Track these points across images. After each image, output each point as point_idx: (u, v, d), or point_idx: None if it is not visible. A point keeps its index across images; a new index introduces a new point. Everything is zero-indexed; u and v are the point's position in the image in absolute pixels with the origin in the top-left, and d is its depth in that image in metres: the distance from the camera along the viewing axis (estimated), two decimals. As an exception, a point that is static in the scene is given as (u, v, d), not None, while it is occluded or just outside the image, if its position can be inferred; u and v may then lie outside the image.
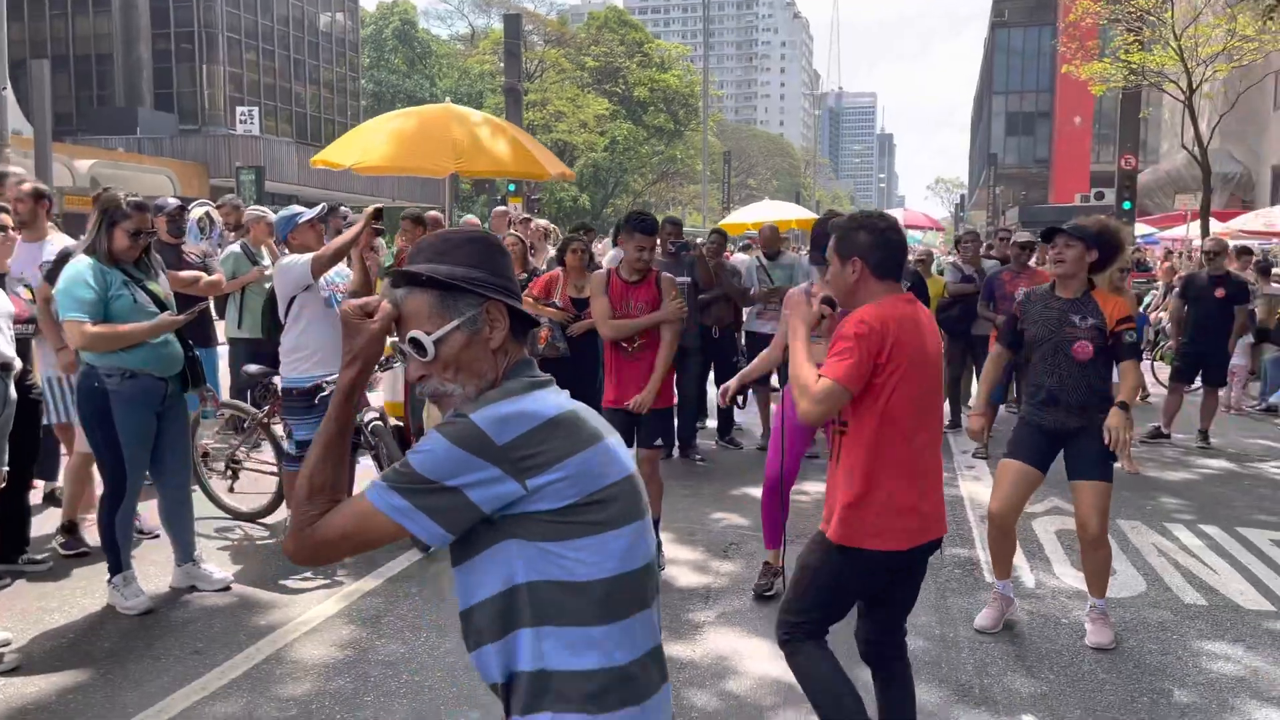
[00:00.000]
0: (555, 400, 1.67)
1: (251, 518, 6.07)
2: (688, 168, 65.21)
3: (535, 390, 1.67)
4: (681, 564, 5.42)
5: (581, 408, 1.70)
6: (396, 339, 1.74)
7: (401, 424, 6.56)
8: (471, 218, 9.25)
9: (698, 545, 5.75)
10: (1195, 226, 22.85)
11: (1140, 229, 24.94)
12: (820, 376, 2.85)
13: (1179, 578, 5.31)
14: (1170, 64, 18.18)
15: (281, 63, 53.27)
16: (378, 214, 5.45)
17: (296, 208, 5.52)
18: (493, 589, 1.65)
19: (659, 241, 8.30)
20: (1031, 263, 8.48)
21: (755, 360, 5.06)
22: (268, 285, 7.66)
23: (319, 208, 5.61)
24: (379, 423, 5.65)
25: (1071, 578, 5.24)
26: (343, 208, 8.43)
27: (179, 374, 4.71)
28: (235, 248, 7.38)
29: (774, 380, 8.49)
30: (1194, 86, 17.97)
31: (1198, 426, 8.83)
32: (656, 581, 1.74)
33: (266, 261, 7.85)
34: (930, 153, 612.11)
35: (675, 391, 6.04)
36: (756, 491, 6.96)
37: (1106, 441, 4.25)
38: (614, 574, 1.63)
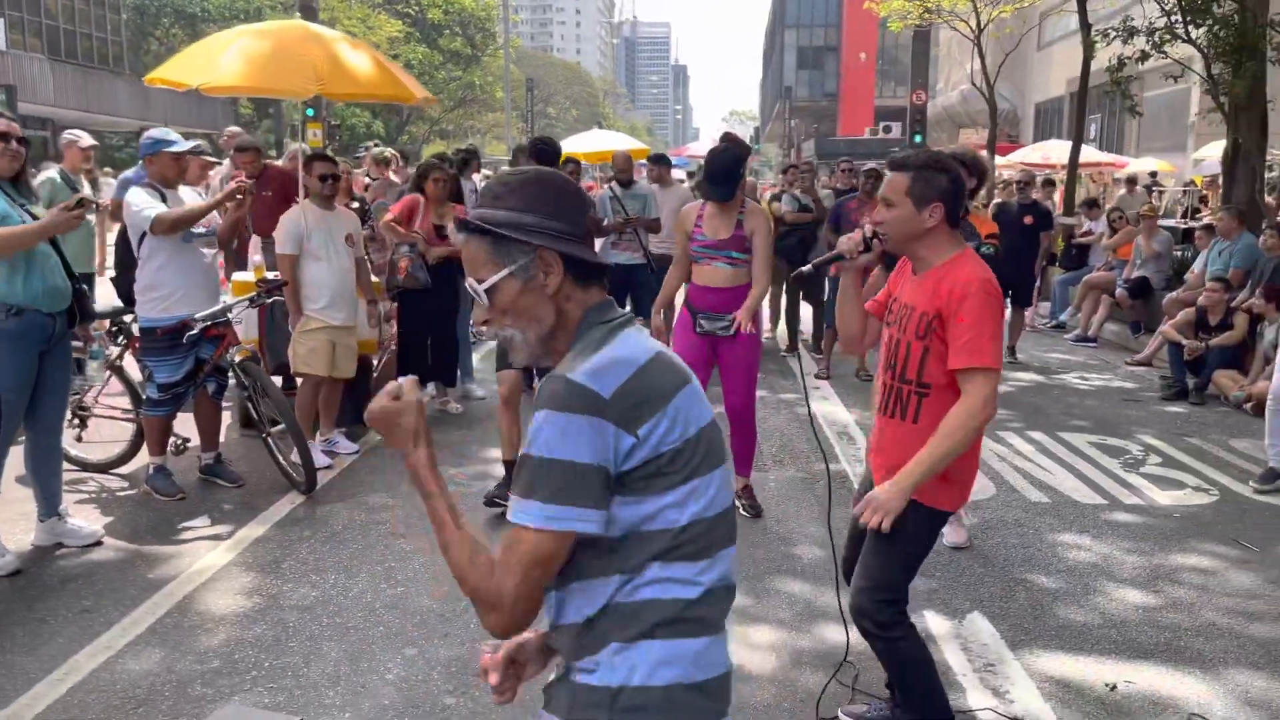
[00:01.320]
0: (644, 343, 1.63)
1: (104, 468, 5.66)
2: (486, 94, 63.65)
3: (619, 333, 1.63)
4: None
5: (664, 349, 1.66)
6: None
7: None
8: (295, 147, 8.74)
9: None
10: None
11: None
12: (979, 370, 2.62)
13: (1021, 480, 5.87)
14: (961, 3, 19.27)
15: (28, -31, 47.83)
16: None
17: (167, 132, 5.10)
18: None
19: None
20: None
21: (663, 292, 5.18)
22: (92, 217, 7.07)
23: (193, 143, 5.24)
24: (251, 361, 5.37)
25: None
26: (201, 144, 7.81)
27: (66, 310, 4.32)
28: (53, 173, 6.73)
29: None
30: (982, 26, 19.14)
31: (1006, 343, 9.65)
32: (734, 523, 1.71)
33: (87, 190, 7.20)
34: (723, 85, 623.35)
35: None
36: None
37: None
38: (703, 516, 1.61)
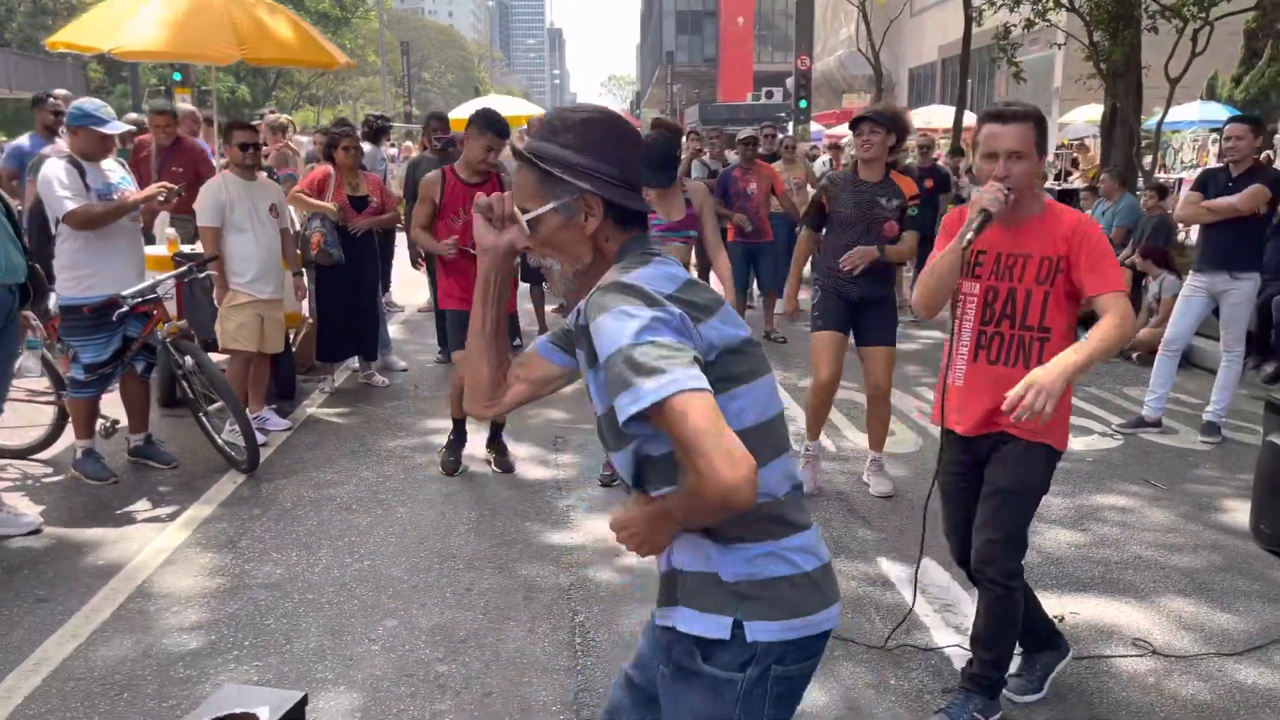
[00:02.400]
0: (679, 268, 1.69)
1: (22, 454, 5.40)
2: (358, 58, 61.67)
3: (655, 259, 1.67)
4: (524, 460, 5.53)
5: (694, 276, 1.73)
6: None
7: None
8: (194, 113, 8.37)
9: (527, 441, 5.86)
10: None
11: (813, 126, 27.01)
12: (1120, 292, 2.77)
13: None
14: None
15: None
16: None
17: (100, 107, 4.80)
18: (666, 448, 1.60)
19: (430, 139, 8.08)
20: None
21: None
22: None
23: (124, 127, 5.00)
24: (183, 338, 5.18)
25: (863, 440, 5.92)
26: (51, 98, 7.40)
27: (20, 285, 4.11)
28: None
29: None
30: (867, -7, 19.61)
31: (907, 302, 10.03)
32: (787, 428, 1.78)
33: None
34: (600, 49, 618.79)
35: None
36: (565, 387, 7.17)
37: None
38: (766, 418, 1.67)
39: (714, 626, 1.64)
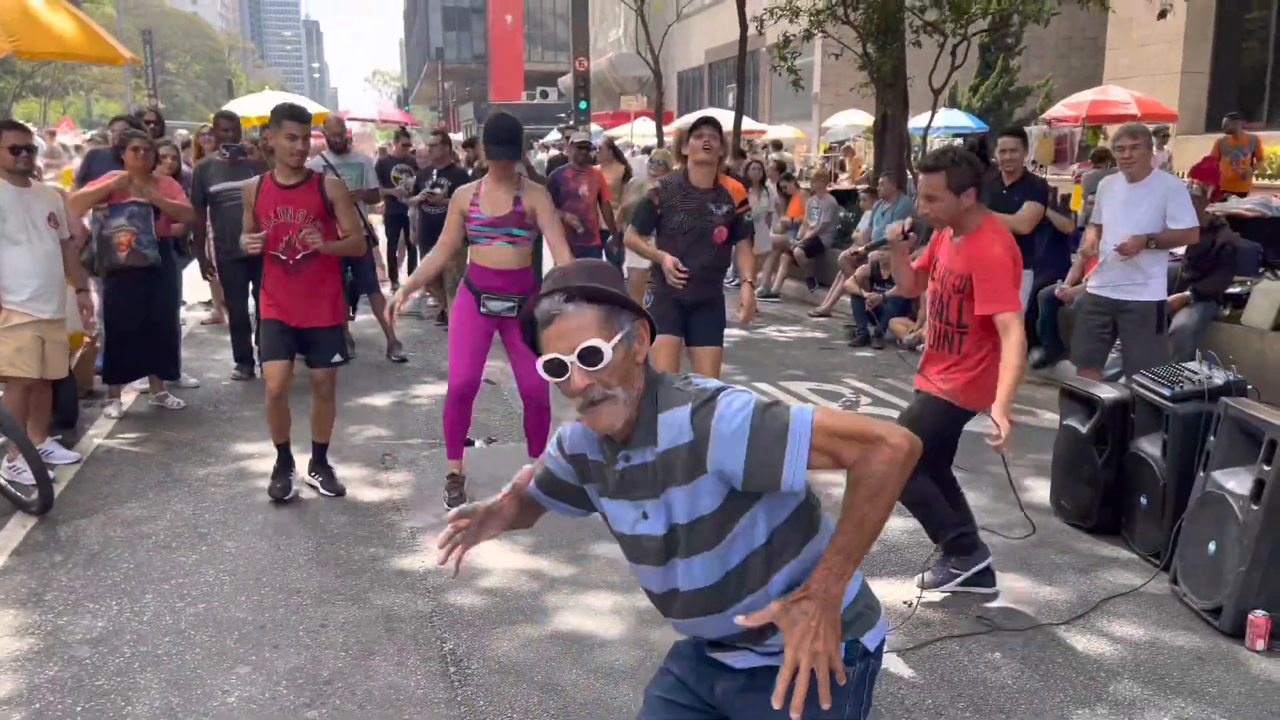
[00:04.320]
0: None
1: None
2: (93, 47, 56.68)
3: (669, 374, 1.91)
4: (353, 482, 5.25)
5: None
6: (550, 355, 1.78)
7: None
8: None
9: (352, 462, 5.58)
10: (641, 124, 25.70)
11: (593, 127, 27.31)
12: (1009, 312, 3.55)
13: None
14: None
15: None
16: None
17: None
18: (794, 502, 1.84)
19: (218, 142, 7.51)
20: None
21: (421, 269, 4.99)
22: None
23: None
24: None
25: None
26: None
27: None
28: None
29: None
30: (643, -2, 19.97)
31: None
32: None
33: None
34: (360, 43, 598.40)
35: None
36: (379, 400, 6.89)
37: (742, 316, 5.17)
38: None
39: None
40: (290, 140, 4.67)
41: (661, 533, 1.85)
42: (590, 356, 1.75)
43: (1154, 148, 7.19)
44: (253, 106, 14.09)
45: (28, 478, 4.67)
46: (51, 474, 5.13)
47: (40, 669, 3.39)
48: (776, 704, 1.68)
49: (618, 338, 1.78)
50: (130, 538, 4.49)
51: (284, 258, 4.74)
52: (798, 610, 1.71)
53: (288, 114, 4.70)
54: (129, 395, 6.69)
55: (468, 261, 4.87)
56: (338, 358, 4.96)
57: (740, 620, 1.77)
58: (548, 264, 5.14)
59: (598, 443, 1.91)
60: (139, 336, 6.17)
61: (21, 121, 5.89)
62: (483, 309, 4.80)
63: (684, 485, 1.78)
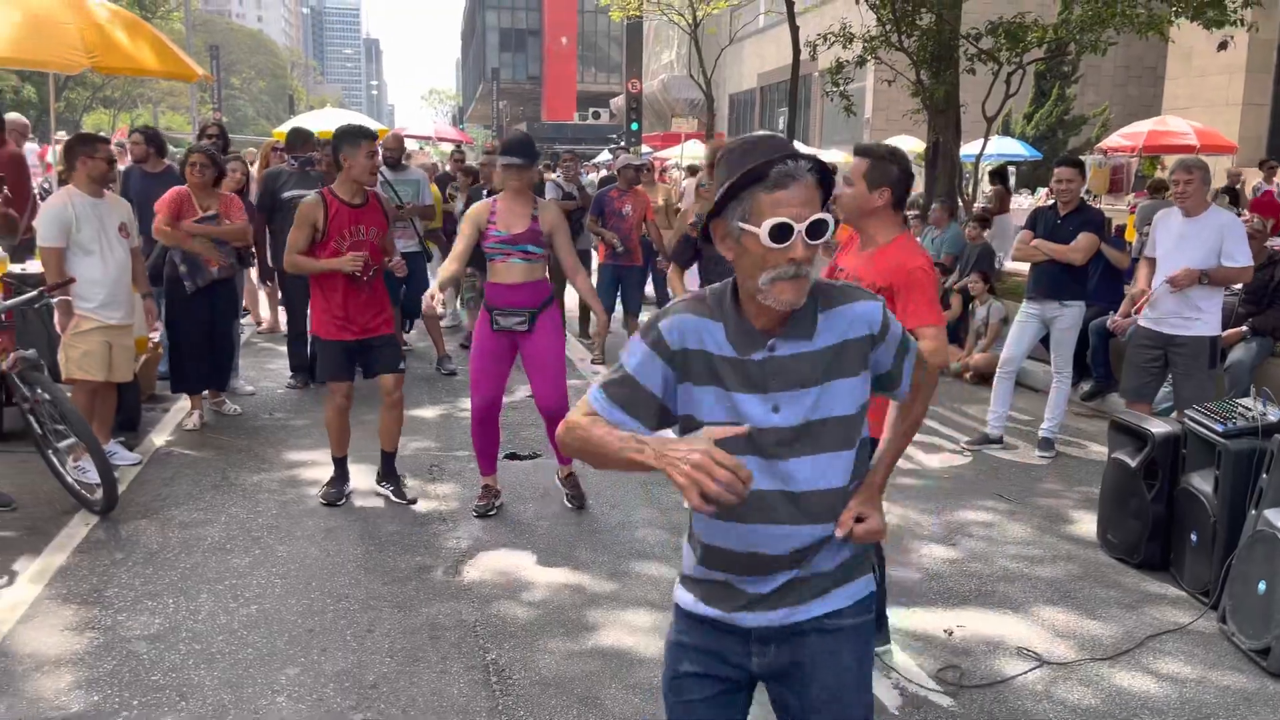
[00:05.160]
0: None
1: None
2: (160, 61, 58.20)
3: None
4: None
5: None
6: (780, 218, 1.73)
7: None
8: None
9: (402, 471, 5.67)
10: (691, 146, 25.84)
11: (643, 148, 27.49)
12: (933, 326, 3.30)
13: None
14: (677, -1, 20.21)
15: None
16: None
17: None
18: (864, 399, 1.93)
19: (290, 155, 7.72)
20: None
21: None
22: None
23: None
24: (31, 368, 4.73)
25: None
26: None
27: None
28: None
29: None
30: (697, 21, 20.17)
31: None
32: None
33: None
34: (418, 62, 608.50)
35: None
36: (428, 413, 7.01)
37: None
38: None
39: (869, 584, 1.99)
40: (369, 159, 4.82)
41: (794, 424, 1.82)
42: (817, 229, 1.74)
43: (1216, 182, 7.07)
44: (314, 122, 14.40)
45: (93, 477, 4.83)
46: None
47: (99, 662, 3.50)
48: (840, 532, 1.90)
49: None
50: (187, 539, 4.62)
51: (360, 275, 4.86)
52: (870, 506, 1.94)
53: (366, 135, 4.85)
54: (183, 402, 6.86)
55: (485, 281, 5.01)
56: (403, 364, 5.10)
57: (840, 530, 1.89)
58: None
59: (729, 333, 1.83)
60: (202, 346, 6.32)
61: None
62: (494, 325, 4.90)
63: (851, 378, 1.85)
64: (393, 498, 5.19)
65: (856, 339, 1.85)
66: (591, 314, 9.38)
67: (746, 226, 1.75)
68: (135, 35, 5.54)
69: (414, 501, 5.18)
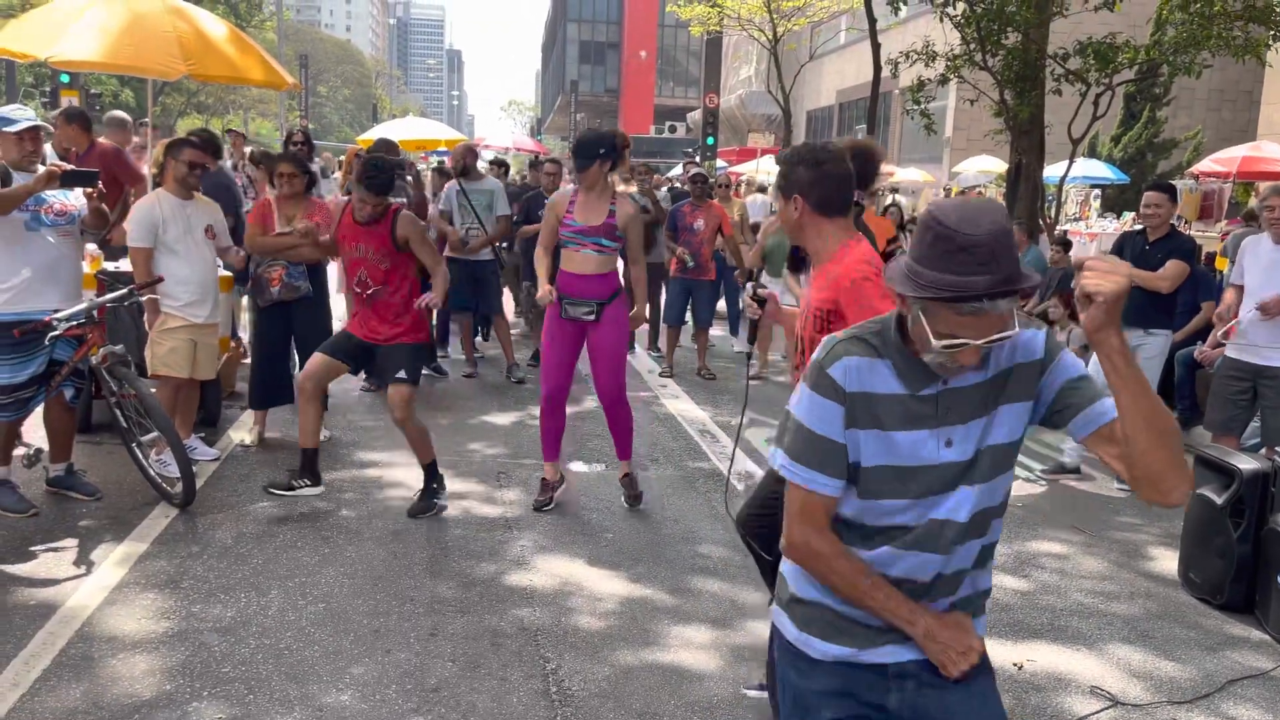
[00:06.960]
0: None
1: (-73, 482, 5.02)
2: (252, 69, 59.96)
3: None
4: (470, 498, 5.42)
5: None
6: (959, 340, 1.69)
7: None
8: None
9: (469, 478, 5.76)
10: (766, 161, 25.75)
11: (718, 162, 27.48)
12: None
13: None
14: (758, 13, 20.16)
15: None
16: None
17: (15, 109, 4.56)
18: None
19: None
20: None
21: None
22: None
23: (25, 121, 4.66)
24: (119, 363, 4.90)
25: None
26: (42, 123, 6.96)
27: None
28: None
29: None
30: (778, 37, 20.11)
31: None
32: None
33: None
34: (498, 74, 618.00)
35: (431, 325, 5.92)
36: (497, 420, 7.08)
37: None
38: None
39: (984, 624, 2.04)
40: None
41: (968, 458, 1.82)
42: (994, 342, 1.71)
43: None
44: (397, 131, 14.73)
45: (173, 471, 4.97)
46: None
47: (173, 652, 3.60)
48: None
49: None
50: (260, 535, 4.73)
51: (358, 290, 4.96)
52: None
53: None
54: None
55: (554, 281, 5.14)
56: (402, 373, 4.91)
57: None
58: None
59: (897, 370, 1.79)
60: (273, 362, 6.21)
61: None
62: (563, 313, 5.05)
63: (1018, 404, 1.83)
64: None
65: (1026, 363, 1.82)
66: (662, 325, 9.41)
67: (924, 320, 1.70)
68: (230, 43, 5.71)
69: (439, 512, 5.12)
